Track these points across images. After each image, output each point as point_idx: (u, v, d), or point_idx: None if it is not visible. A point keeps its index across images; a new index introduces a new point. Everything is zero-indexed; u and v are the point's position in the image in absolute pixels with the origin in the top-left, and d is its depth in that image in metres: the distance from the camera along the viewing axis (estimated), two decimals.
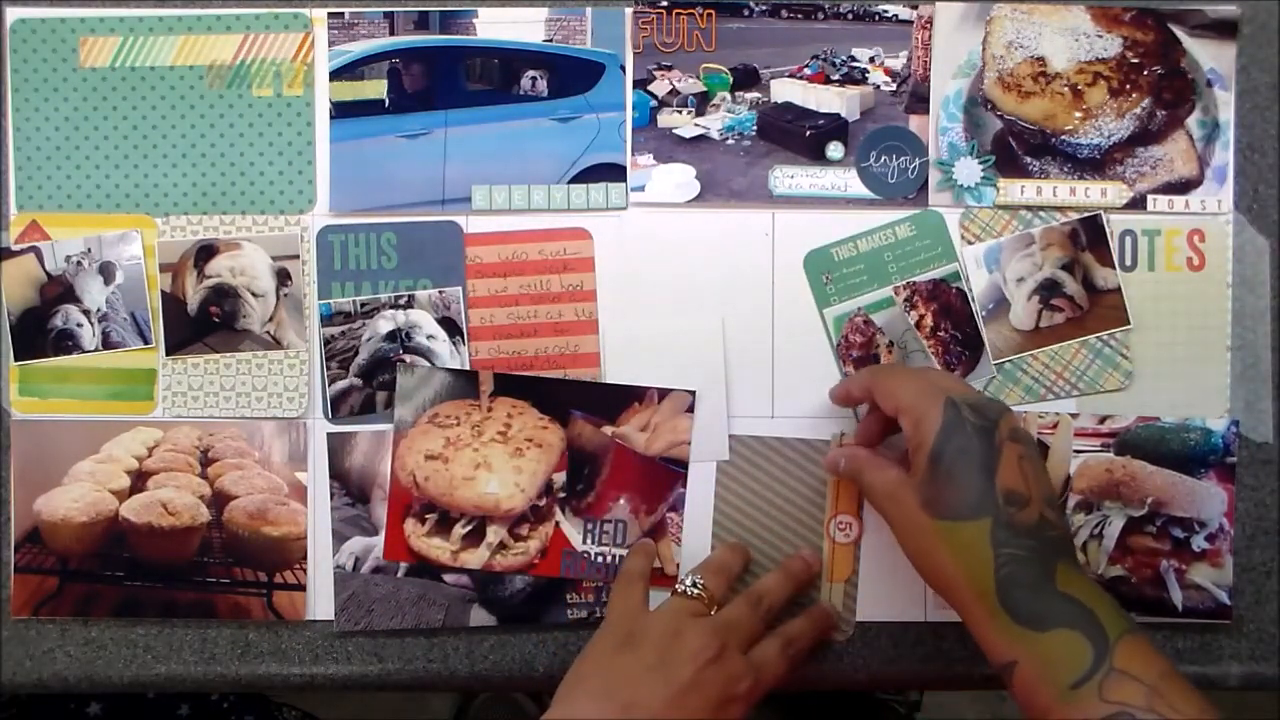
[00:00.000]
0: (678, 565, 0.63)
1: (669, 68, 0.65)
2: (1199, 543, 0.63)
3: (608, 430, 0.63)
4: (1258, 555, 0.64)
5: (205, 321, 0.64)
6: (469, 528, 0.63)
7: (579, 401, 0.63)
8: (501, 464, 0.62)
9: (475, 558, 0.63)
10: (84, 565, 0.64)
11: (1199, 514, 0.63)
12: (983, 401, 0.52)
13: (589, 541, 0.63)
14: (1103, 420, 0.64)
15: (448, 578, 0.64)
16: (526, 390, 0.64)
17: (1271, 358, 0.65)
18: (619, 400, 0.63)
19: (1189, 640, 0.64)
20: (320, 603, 0.64)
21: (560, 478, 0.63)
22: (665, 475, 0.63)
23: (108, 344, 0.64)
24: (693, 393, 0.63)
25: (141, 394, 0.64)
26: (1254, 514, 0.64)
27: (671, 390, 0.63)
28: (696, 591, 0.58)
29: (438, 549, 0.63)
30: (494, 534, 0.63)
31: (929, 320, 0.64)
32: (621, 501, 0.63)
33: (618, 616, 0.58)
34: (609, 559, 0.63)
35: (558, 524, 0.63)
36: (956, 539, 0.49)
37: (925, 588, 0.64)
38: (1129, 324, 0.64)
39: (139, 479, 0.64)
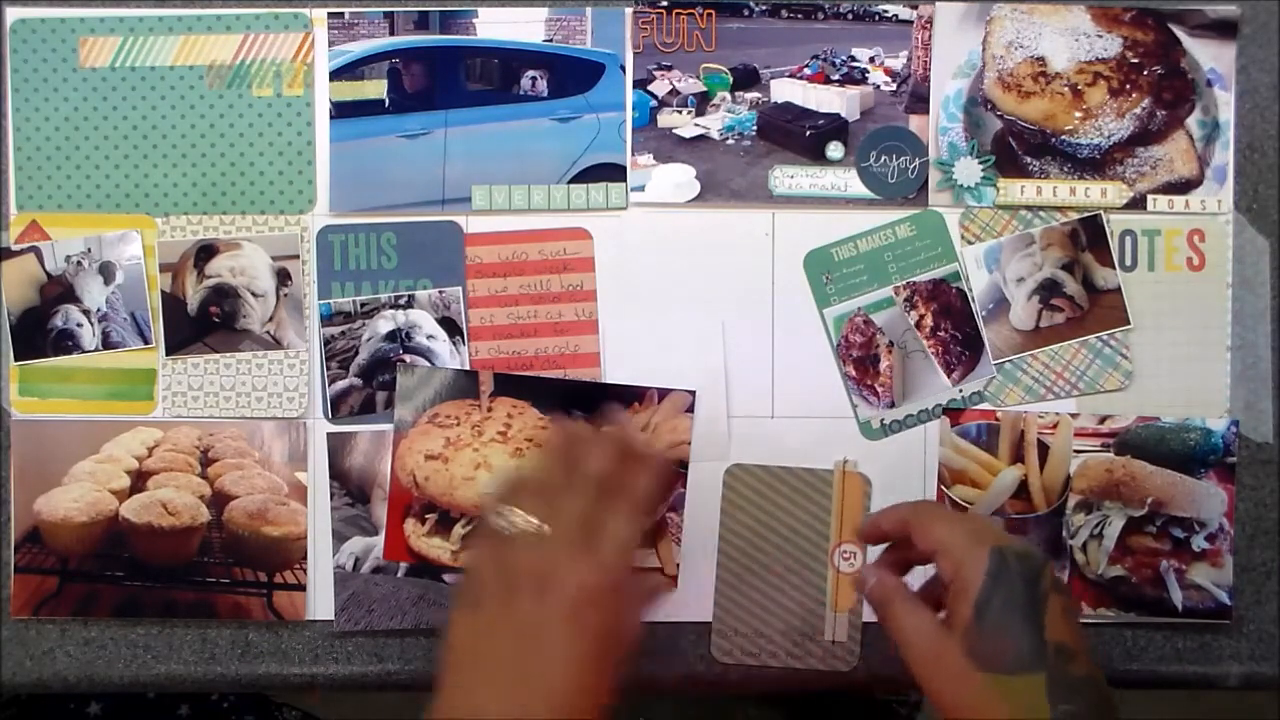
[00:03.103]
0: (678, 565, 0.63)
1: (669, 68, 0.65)
2: (1199, 543, 0.63)
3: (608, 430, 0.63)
4: (1258, 555, 0.64)
5: (205, 321, 0.64)
6: (469, 528, 0.63)
7: (579, 402, 0.63)
8: (502, 464, 0.62)
9: None
10: (84, 565, 0.64)
11: (1199, 514, 0.63)
12: (1027, 551, 0.50)
13: None
14: (1103, 420, 0.64)
15: (448, 577, 0.64)
16: (527, 390, 0.64)
17: (1271, 358, 0.65)
18: (619, 400, 0.63)
19: (1189, 640, 0.64)
20: (320, 603, 0.64)
21: None
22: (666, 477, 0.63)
23: (108, 344, 0.64)
24: (693, 393, 0.63)
25: (141, 394, 0.64)
26: (1254, 514, 0.64)
27: (671, 390, 0.63)
28: (507, 523, 0.51)
29: (438, 549, 0.63)
30: None
31: (929, 320, 0.64)
32: None
33: (464, 576, 0.53)
34: None
35: None
36: (1011, 695, 0.47)
37: None
38: (1129, 324, 0.64)
39: (139, 479, 0.64)
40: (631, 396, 0.63)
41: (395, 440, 0.63)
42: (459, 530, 0.63)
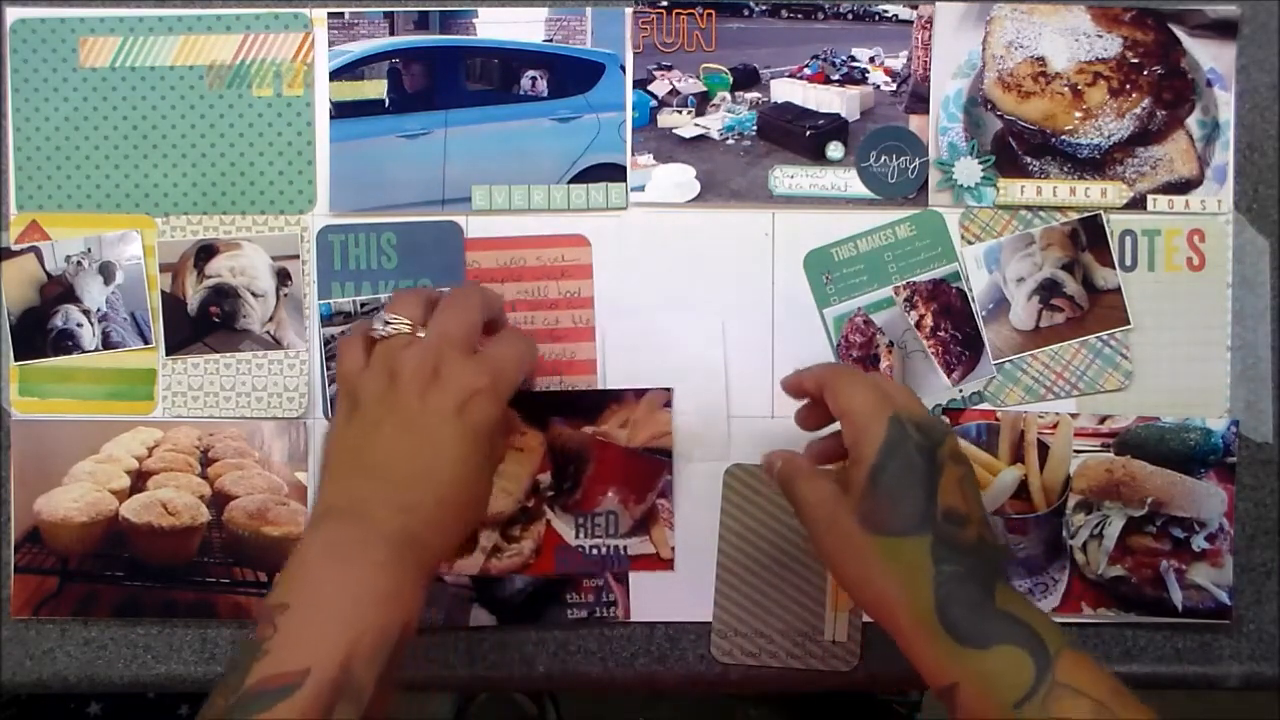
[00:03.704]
0: (673, 549, 0.63)
1: (669, 68, 0.65)
2: (1199, 543, 0.63)
3: (588, 430, 0.63)
4: (1258, 555, 0.64)
5: (205, 321, 0.64)
6: None
7: (557, 409, 0.64)
8: None
9: (471, 563, 0.63)
10: (84, 565, 0.64)
11: (1199, 514, 0.63)
12: (928, 421, 0.51)
13: (581, 535, 0.63)
14: (1103, 420, 0.64)
15: (447, 578, 0.64)
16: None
17: (1271, 358, 0.65)
18: (597, 405, 0.64)
19: (1189, 640, 0.64)
20: None
21: (546, 478, 0.63)
22: (650, 465, 0.63)
23: (108, 344, 0.64)
24: (669, 390, 0.63)
25: (141, 394, 0.64)
26: (1254, 514, 0.64)
27: (648, 390, 0.63)
28: (392, 329, 0.52)
29: None
30: (487, 538, 0.63)
31: (929, 320, 0.64)
32: (610, 494, 0.63)
33: (340, 383, 0.53)
34: (603, 550, 0.63)
35: (549, 522, 0.63)
36: (896, 556, 0.48)
37: None
38: (1129, 324, 0.64)
39: (139, 479, 0.64)
40: (609, 399, 0.64)
41: None
42: None
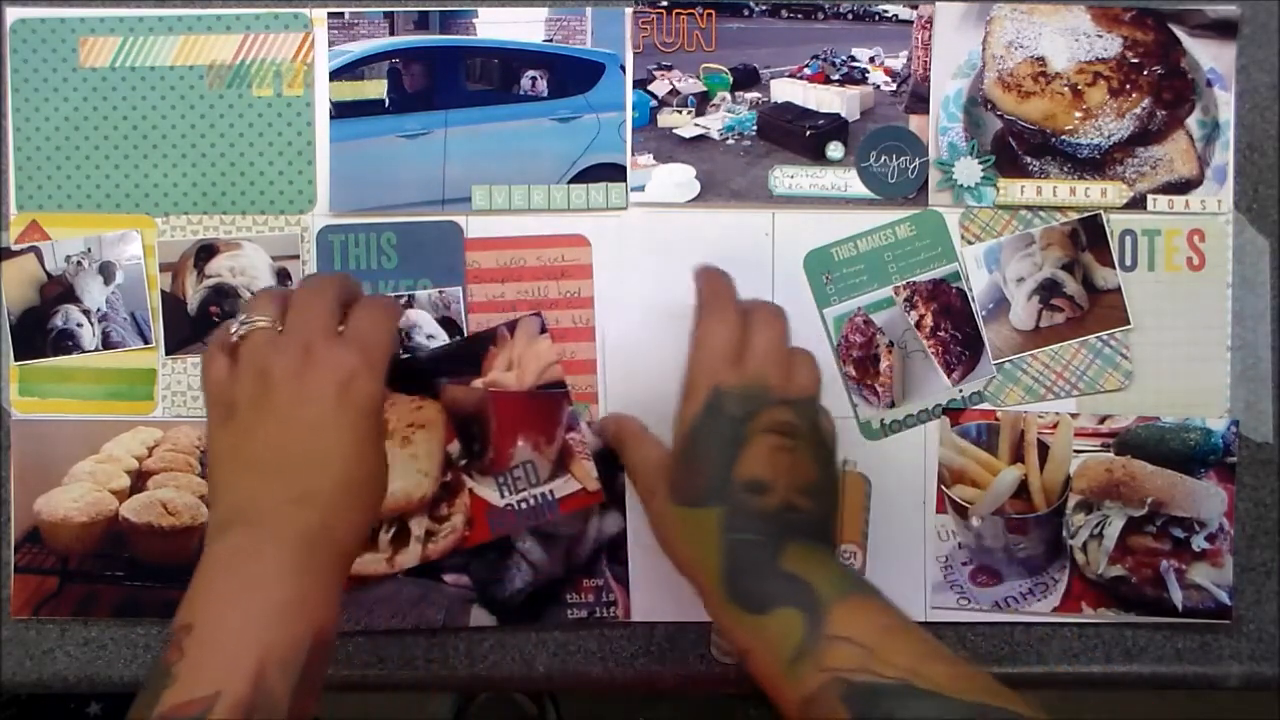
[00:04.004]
0: (597, 479, 0.63)
1: (669, 68, 0.65)
2: (1199, 543, 0.63)
3: (478, 384, 0.63)
4: (1258, 555, 0.64)
5: (205, 321, 0.64)
6: (392, 531, 0.63)
7: (440, 369, 0.63)
8: (396, 459, 0.61)
9: (410, 556, 0.63)
10: (84, 565, 0.64)
11: (1199, 514, 0.63)
12: (757, 390, 0.50)
13: (506, 494, 0.63)
14: (1103, 420, 0.64)
15: (447, 578, 0.64)
16: (388, 380, 0.63)
17: (1271, 358, 0.65)
18: (476, 352, 0.63)
19: (1189, 640, 0.64)
20: None
21: (455, 447, 0.63)
22: (550, 402, 0.63)
23: (108, 344, 0.64)
24: (538, 314, 0.63)
25: (141, 394, 0.64)
26: (1254, 514, 0.64)
27: (519, 318, 0.63)
28: (249, 328, 0.50)
29: (373, 563, 0.63)
30: (417, 526, 0.63)
31: (929, 320, 0.64)
32: (520, 444, 0.63)
33: (208, 393, 0.51)
34: (532, 501, 0.63)
35: (471, 490, 0.63)
36: (691, 525, 0.49)
37: (924, 588, 0.64)
38: (1129, 324, 0.64)
39: (139, 479, 0.64)
40: (485, 342, 0.63)
41: None
42: (384, 537, 0.63)
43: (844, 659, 0.44)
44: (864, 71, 0.65)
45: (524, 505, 0.63)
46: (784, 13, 0.65)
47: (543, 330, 0.63)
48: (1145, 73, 0.64)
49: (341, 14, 0.64)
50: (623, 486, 0.64)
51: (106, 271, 0.64)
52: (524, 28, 0.65)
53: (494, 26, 0.65)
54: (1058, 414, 0.64)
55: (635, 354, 0.64)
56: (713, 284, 0.55)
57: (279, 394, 0.48)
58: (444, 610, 0.64)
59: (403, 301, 0.64)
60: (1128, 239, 0.65)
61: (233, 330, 0.51)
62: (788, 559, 0.48)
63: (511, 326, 0.63)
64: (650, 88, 0.65)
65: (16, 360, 0.64)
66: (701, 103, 0.65)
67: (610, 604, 0.64)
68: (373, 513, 0.51)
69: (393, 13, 0.64)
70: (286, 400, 0.48)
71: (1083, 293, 0.64)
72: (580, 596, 0.64)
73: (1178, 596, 0.63)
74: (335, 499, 0.48)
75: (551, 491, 0.63)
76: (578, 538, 0.64)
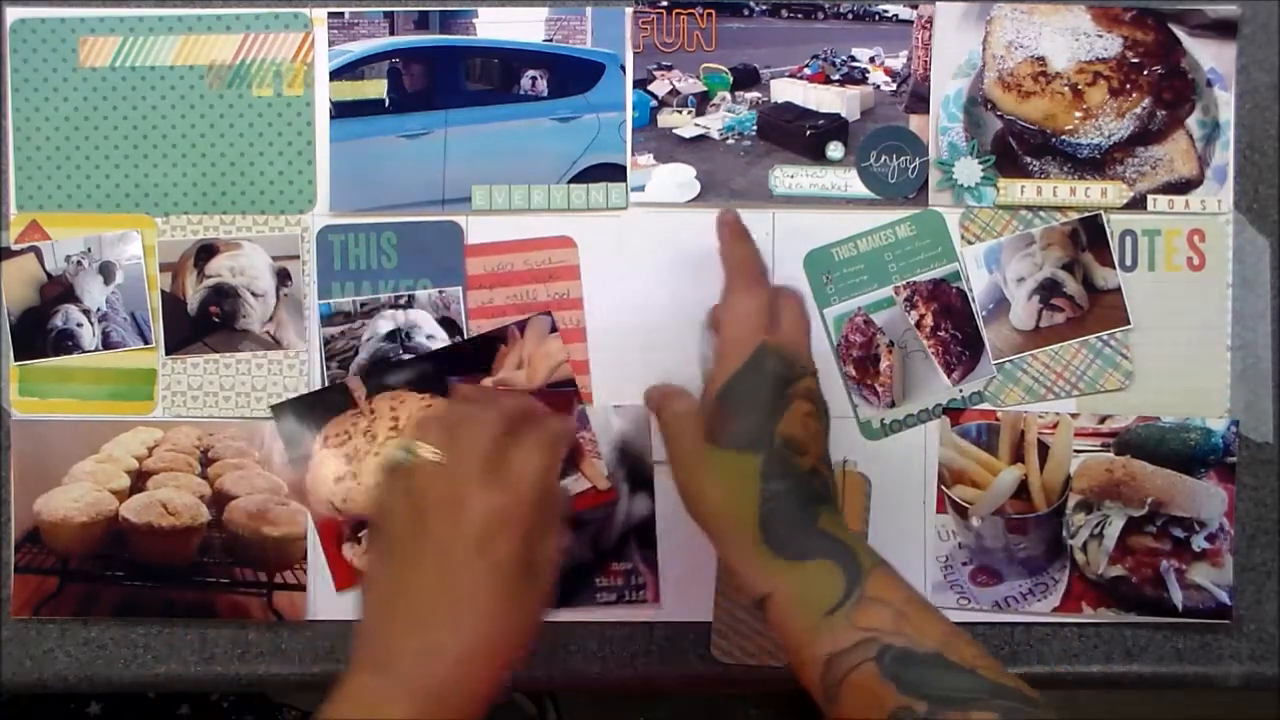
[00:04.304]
0: (608, 478, 0.63)
1: (669, 68, 0.65)
2: (1199, 543, 0.63)
3: (488, 382, 0.63)
4: (1258, 555, 0.64)
5: (205, 321, 0.64)
6: None
7: (450, 368, 0.63)
8: None
9: None
10: (84, 565, 0.64)
11: (1199, 514, 0.63)
12: (794, 356, 0.52)
13: None
14: (1103, 420, 0.64)
15: None
16: (397, 377, 0.64)
17: (1271, 358, 0.65)
18: (486, 351, 0.64)
19: (1189, 640, 0.64)
20: (320, 603, 0.64)
21: None
22: (559, 400, 0.63)
23: (108, 344, 0.64)
24: (548, 313, 0.64)
25: (141, 394, 0.64)
26: (1254, 514, 0.64)
27: (529, 318, 0.64)
28: (411, 458, 0.49)
29: None
30: None
31: (929, 320, 0.64)
32: None
33: (371, 516, 0.51)
34: None
35: None
36: (728, 468, 0.50)
37: (924, 588, 0.64)
38: (1129, 324, 0.64)
39: (139, 479, 0.64)
40: (496, 342, 0.63)
41: (301, 481, 0.63)
42: None
43: (880, 621, 0.46)
44: (864, 71, 0.65)
45: None
46: (784, 13, 0.65)
47: (553, 330, 0.63)
48: (1145, 73, 0.64)
49: (341, 14, 0.64)
50: (649, 471, 0.64)
51: (106, 271, 0.64)
52: (524, 28, 0.65)
53: (494, 26, 0.65)
54: (1058, 414, 0.64)
55: (635, 354, 0.64)
56: (742, 245, 0.56)
57: (427, 538, 0.47)
58: None
59: (402, 301, 0.64)
60: (1128, 239, 0.65)
61: (398, 458, 0.50)
62: (822, 520, 0.49)
63: (522, 325, 0.63)
64: (650, 88, 0.65)
65: (16, 360, 0.64)
66: (701, 103, 0.65)
67: (640, 587, 0.64)
68: (507, 670, 0.49)
69: (393, 13, 0.64)
70: (432, 546, 0.47)
71: (1083, 293, 0.64)
72: (609, 580, 0.64)
73: (1178, 596, 0.63)
74: (467, 654, 0.46)
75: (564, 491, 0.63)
76: (605, 522, 0.64)
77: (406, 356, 0.64)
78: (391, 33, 0.65)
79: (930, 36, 0.65)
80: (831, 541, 0.48)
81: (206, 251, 0.64)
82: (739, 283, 0.54)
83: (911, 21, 0.65)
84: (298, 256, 0.64)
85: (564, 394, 0.63)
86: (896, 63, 0.65)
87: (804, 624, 0.47)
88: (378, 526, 0.50)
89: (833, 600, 0.47)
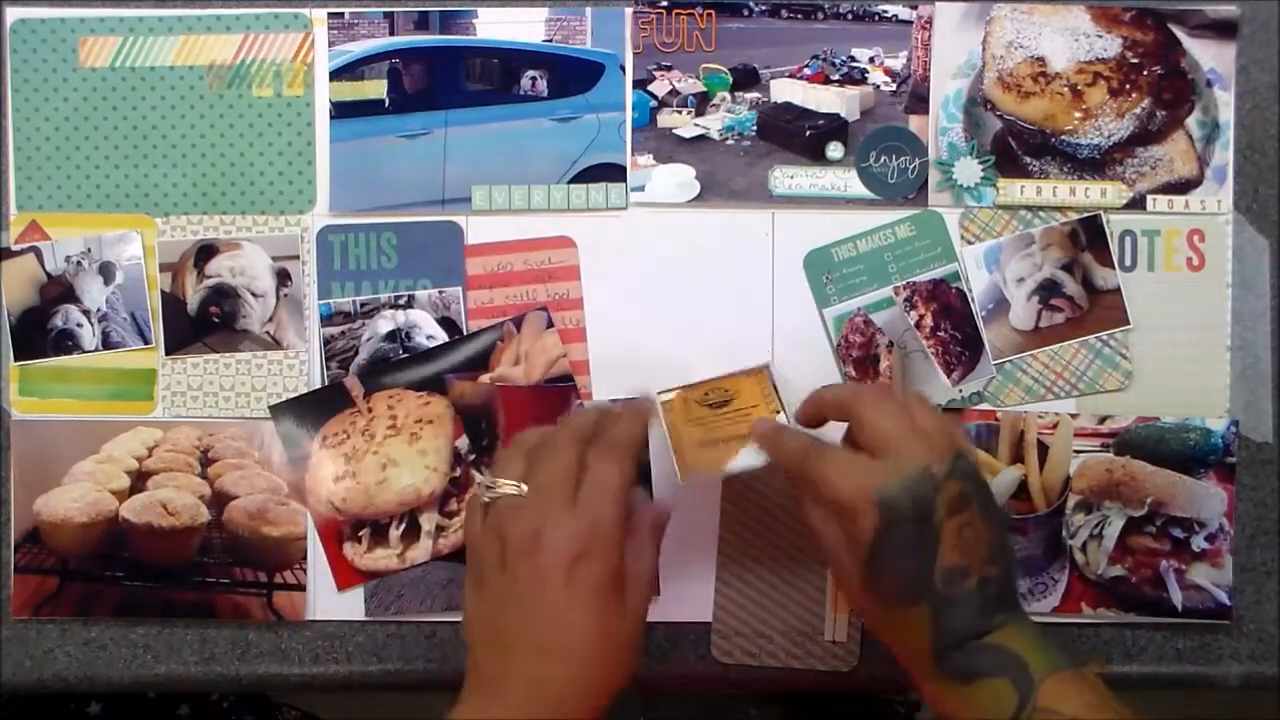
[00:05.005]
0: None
1: (669, 68, 0.65)
2: (1199, 543, 0.63)
3: (485, 379, 0.63)
4: (1258, 555, 0.64)
5: (205, 321, 0.64)
6: (403, 526, 0.63)
7: (447, 366, 0.63)
8: (405, 455, 0.62)
9: (421, 551, 0.63)
10: (84, 565, 0.64)
11: (1199, 514, 0.63)
12: (915, 485, 0.49)
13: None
14: (1103, 420, 0.64)
15: None
16: (395, 376, 0.64)
17: (1271, 358, 0.65)
18: (482, 347, 0.64)
19: (1189, 640, 0.64)
20: (320, 603, 0.64)
21: (464, 442, 0.63)
22: (557, 396, 0.63)
23: (108, 344, 0.64)
24: (544, 309, 0.64)
25: (141, 394, 0.64)
26: (1254, 514, 0.64)
27: (525, 314, 0.64)
28: (493, 494, 0.50)
29: (384, 559, 0.63)
30: (428, 521, 0.63)
31: (929, 320, 0.64)
32: None
33: (468, 550, 0.52)
34: None
35: None
36: (894, 623, 0.50)
37: None
38: (1129, 324, 0.64)
39: (139, 479, 0.64)
40: (493, 338, 0.63)
41: (298, 481, 0.64)
42: (394, 533, 0.63)
43: None
44: (864, 71, 0.65)
45: None
46: (784, 13, 0.65)
47: (549, 325, 0.63)
48: (1145, 73, 0.64)
49: (341, 14, 0.64)
50: (647, 466, 0.63)
51: (106, 271, 0.64)
52: (524, 28, 0.65)
53: (494, 26, 0.65)
54: (1058, 414, 0.64)
55: (634, 354, 0.64)
56: (787, 441, 0.54)
57: (517, 571, 0.48)
58: (444, 608, 0.63)
59: (402, 302, 0.64)
60: (1127, 239, 0.65)
61: (481, 494, 0.51)
62: (997, 631, 0.49)
63: (518, 322, 0.63)
64: (650, 88, 0.65)
65: (16, 360, 0.64)
66: (701, 103, 0.65)
67: None
68: (613, 691, 0.49)
69: (393, 13, 0.64)
70: (523, 579, 0.48)
71: (1082, 293, 0.64)
72: None
73: (1177, 596, 0.63)
74: (570, 681, 0.48)
75: None
76: None
77: (406, 356, 0.64)
78: (391, 33, 0.65)
79: (930, 37, 0.65)
80: (1004, 657, 0.48)
81: (206, 252, 0.64)
82: (866, 405, 0.52)
83: (911, 22, 0.65)
84: (298, 256, 0.64)
85: (561, 389, 0.63)
86: (896, 63, 0.65)
87: None
88: (471, 563, 0.51)
89: (1005, 717, 0.47)
